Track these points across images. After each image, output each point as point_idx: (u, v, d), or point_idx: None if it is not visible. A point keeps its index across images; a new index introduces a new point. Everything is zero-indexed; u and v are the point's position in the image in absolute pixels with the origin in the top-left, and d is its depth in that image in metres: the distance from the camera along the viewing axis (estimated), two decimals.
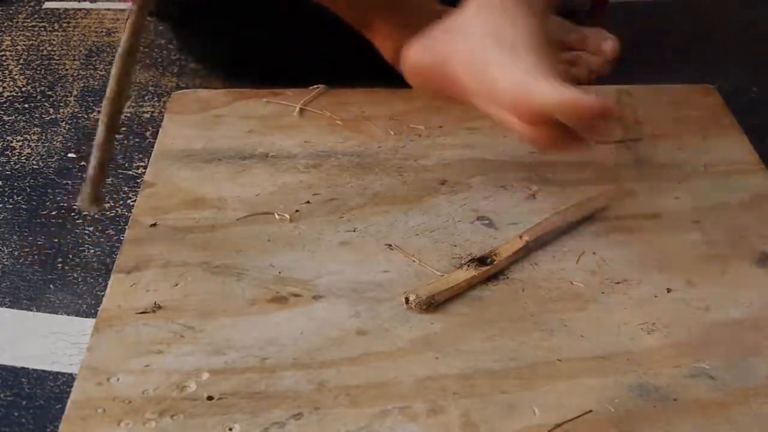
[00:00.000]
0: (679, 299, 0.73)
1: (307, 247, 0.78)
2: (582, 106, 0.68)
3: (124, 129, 1.01)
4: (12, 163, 0.96)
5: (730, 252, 0.78)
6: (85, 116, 1.04)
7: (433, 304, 0.71)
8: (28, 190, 0.92)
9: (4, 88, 1.10)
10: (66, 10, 1.28)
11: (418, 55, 0.82)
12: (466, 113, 0.96)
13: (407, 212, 0.82)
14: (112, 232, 0.87)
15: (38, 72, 1.13)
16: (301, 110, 0.96)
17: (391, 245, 0.78)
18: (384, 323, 0.70)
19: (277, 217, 0.81)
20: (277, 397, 0.64)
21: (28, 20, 1.25)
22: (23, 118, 1.04)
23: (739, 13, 1.27)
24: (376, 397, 0.64)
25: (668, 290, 0.74)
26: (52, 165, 0.96)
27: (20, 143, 1.00)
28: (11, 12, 1.27)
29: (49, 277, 0.82)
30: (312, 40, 1.03)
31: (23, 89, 1.09)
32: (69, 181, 0.93)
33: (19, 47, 1.19)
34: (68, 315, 0.78)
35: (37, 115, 1.04)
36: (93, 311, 0.75)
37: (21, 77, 1.12)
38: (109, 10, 1.27)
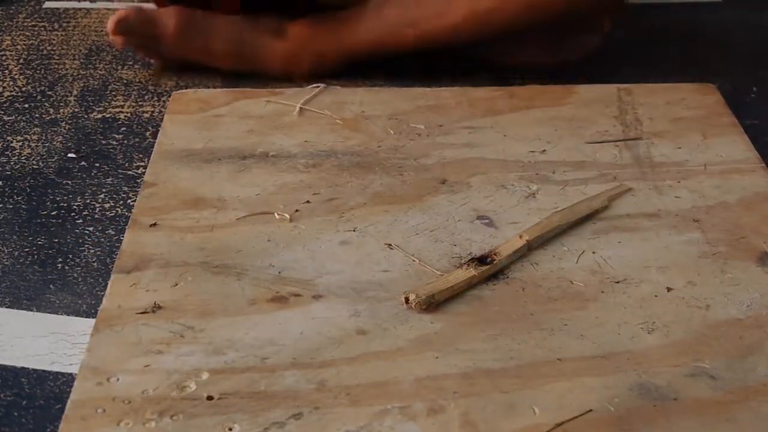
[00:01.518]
0: (679, 299, 0.73)
1: (307, 246, 0.78)
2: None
3: (124, 129, 1.01)
4: (12, 163, 0.96)
5: (730, 252, 0.78)
6: (85, 116, 1.04)
7: (432, 304, 0.71)
8: (28, 190, 0.92)
9: (4, 88, 1.10)
10: (66, 9, 1.28)
11: None
12: (466, 113, 0.96)
13: (407, 212, 0.82)
14: (112, 232, 0.86)
15: (38, 72, 1.13)
16: (301, 110, 0.96)
17: (391, 245, 0.78)
18: (384, 323, 0.70)
19: (277, 216, 0.81)
20: (277, 397, 0.64)
21: (28, 20, 1.25)
22: (23, 118, 1.04)
23: (739, 13, 1.27)
24: (375, 397, 0.64)
25: (668, 290, 0.74)
26: (52, 165, 0.96)
27: (20, 143, 0.99)
28: (11, 12, 1.27)
29: (49, 277, 0.82)
30: None
31: (23, 89, 1.09)
32: (69, 181, 0.93)
33: (19, 47, 1.18)
34: (68, 315, 0.78)
35: (37, 115, 1.04)
36: (93, 311, 0.75)
37: (21, 77, 1.12)
38: (109, 9, 1.27)
